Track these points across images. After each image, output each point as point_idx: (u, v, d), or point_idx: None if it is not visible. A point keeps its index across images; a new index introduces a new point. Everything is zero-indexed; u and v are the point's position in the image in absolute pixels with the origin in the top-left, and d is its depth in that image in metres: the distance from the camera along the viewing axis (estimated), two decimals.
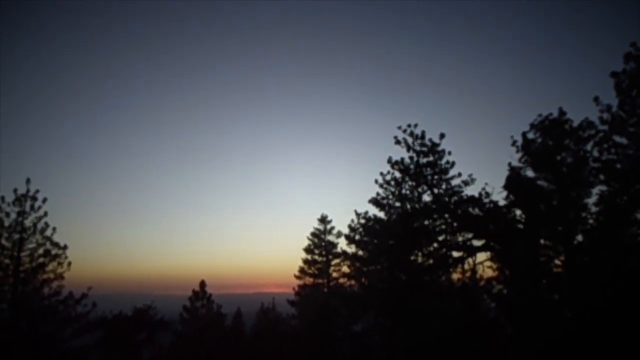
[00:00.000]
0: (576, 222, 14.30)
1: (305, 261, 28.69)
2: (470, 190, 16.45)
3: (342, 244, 28.71)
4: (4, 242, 16.51)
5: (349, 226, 19.51)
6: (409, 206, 17.22)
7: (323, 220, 28.93)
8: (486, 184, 15.74)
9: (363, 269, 19.27)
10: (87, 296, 17.91)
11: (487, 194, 15.65)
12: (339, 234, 28.38)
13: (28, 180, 17.29)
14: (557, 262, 14.46)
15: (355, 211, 19.06)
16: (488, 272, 15.63)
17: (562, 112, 15.26)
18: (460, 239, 15.97)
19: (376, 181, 17.63)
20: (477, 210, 15.69)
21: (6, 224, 16.67)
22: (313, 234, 28.88)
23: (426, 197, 16.91)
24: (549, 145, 15.19)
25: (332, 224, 28.95)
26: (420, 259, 16.44)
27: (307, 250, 28.77)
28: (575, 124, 14.92)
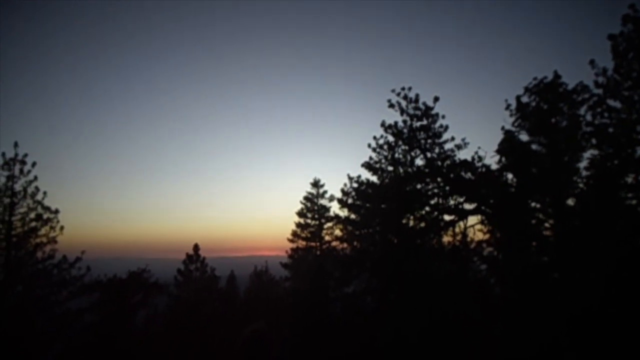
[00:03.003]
0: (567, 186, 14.43)
1: (298, 225, 28.91)
2: (464, 154, 16.51)
3: (335, 208, 28.98)
4: None
5: (342, 190, 19.59)
6: (401, 170, 17.25)
7: (316, 184, 28.98)
8: (479, 147, 15.75)
9: (355, 232, 19.48)
10: (81, 260, 18.01)
11: (480, 158, 15.68)
12: (331, 198, 28.54)
13: (16, 144, 17.00)
14: (547, 225, 14.66)
15: (348, 175, 19.10)
16: (479, 235, 15.85)
17: (557, 76, 15.12)
18: (452, 202, 16.10)
19: (369, 145, 17.57)
20: (469, 174, 15.76)
21: None
22: (306, 198, 28.99)
23: (419, 161, 16.93)
24: (543, 109, 15.12)
25: (325, 188, 29.06)
26: (412, 223, 16.60)
27: (300, 214, 28.94)
28: (570, 87, 14.85)
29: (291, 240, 29.19)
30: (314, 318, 24.61)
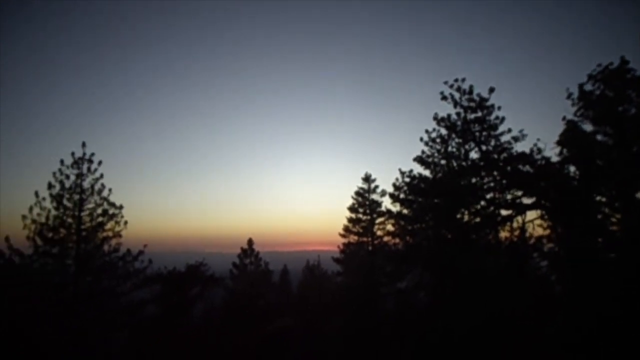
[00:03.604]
0: (636, 179, 13.54)
1: (350, 220, 28.91)
2: (521, 147, 15.86)
3: (387, 203, 28.68)
4: (65, 202, 17.52)
5: (394, 185, 19.35)
6: (455, 164, 16.84)
7: (367, 179, 28.85)
8: (538, 139, 15.09)
9: (408, 227, 19.21)
10: (144, 253, 18.94)
11: (539, 150, 15.02)
12: (383, 193, 28.31)
13: (84, 144, 18.10)
14: (614, 220, 13.85)
15: (400, 170, 18.83)
16: (538, 231, 15.22)
17: (624, 61, 14.18)
18: (509, 196, 15.55)
19: (421, 139, 17.27)
20: (527, 167, 15.14)
21: (67, 185, 17.63)
22: (357, 193, 28.93)
23: (474, 155, 16.46)
24: (608, 97, 14.24)
25: (376, 182, 28.85)
26: (466, 217, 16.19)
27: (352, 209, 28.92)
28: (639, 73, 13.89)
29: (343, 235, 29.26)
30: (366, 312, 24.58)
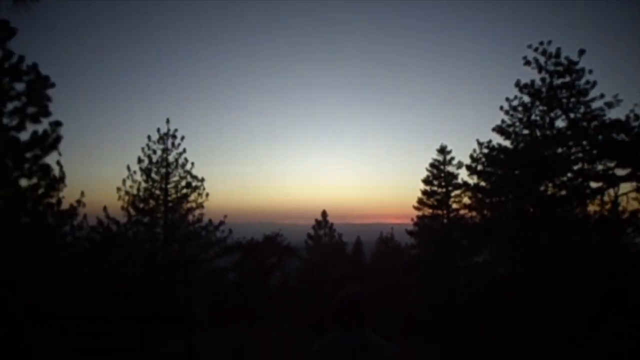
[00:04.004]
0: None
1: (424, 192, 28.36)
2: (615, 114, 14.53)
3: (463, 175, 27.77)
4: (154, 175, 18.85)
5: (471, 156, 18.62)
6: (539, 133, 15.83)
7: (442, 150, 28.00)
8: (635, 105, 13.72)
9: (486, 200, 18.49)
10: (224, 223, 20.04)
11: (637, 117, 13.68)
12: (459, 165, 27.34)
13: (167, 120, 19.23)
14: None
15: (477, 140, 18.03)
16: (633, 205, 14.02)
17: None
18: (600, 167, 14.39)
19: (501, 107, 16.38)
20: (622, 136, 13.87)
21: (154, 159, 18.91)
22: (432, 165, 28.21)
23: (560, 123, 15.37)
24: None
25: (452, 154, 27.92)
26: (551, 190, 15.26)
27: (426, 181, 28.32)
28: None
29: (417, 208, 28.81)
30: (440, 285, 24.27)
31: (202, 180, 19.60)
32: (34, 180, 11.92)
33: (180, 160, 19.21)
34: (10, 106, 11.64)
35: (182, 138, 19.26)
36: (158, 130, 19.06)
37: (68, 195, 13.18)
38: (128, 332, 14.54)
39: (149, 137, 19.00)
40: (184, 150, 19.28)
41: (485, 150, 17.41)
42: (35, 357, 10.65)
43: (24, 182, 12.03)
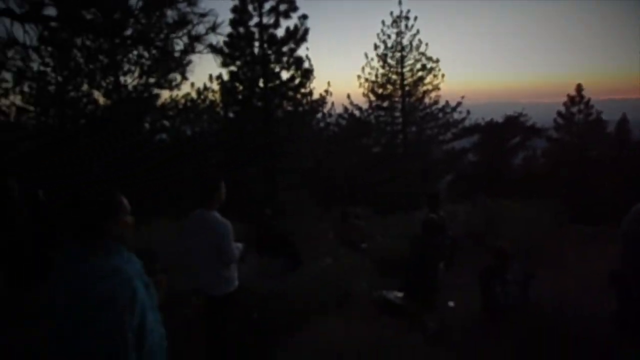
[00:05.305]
0: None
1: None
2: None
3: None
4: (389, 60, 19.34)
5: None
6: None
7: None
8: None
9: None
10: (461, 104, 19.63)
11: None
12: None
13: (400, 1, 18.90)
14: None
15: None
16: None
17: None
18: None
19: None
20: None
21: (389, 44, 19.26)
22: None
23: None
24: None
25: None
26: None
27: None
28: None
29: None
30: None
31: (437, 61, 19.22)
32: (291, 72, 13.77)
33: (415, 42, 19.06)
34: (267, 6, 13.34)
35: (415, 18, 18.85)
36: (391, 13, 19.04)
37: (317, 85, 14.82)
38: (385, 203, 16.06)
39: (382, 22, 19.22)
40: (418, 32, 18.96)
41: None
42: None
43: (284, 74, 14.07)
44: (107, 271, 1.41)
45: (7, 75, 10.01)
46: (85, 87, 12.68)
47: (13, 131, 11.78)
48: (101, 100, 13.09)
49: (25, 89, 11.60)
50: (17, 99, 11.64)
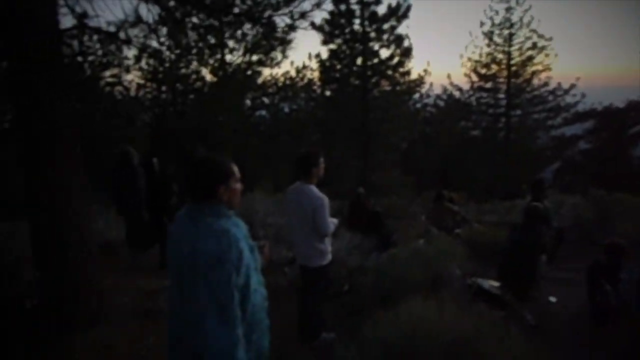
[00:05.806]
0: None
1: None
2: None
3: None
4: (496, 38, 18.14)
5: None
6: None
7: None
8: None
9: None
10: (575, 87, 17.96)
11: None
12: None
13: None
14: None
15: None
16: None
17: None
18: None
19: None
20: None
21: (496, 21, 18.02)
22: None
23: None
24: None
25: None
26: None
27: None
28: None
29: None
30: None
31: (550, 39, 17.60)
32: (391, 50, 13.49)
33: (526, 19, 17.61)
34: None
35: None
36: None
37: (415, 64, 14.49)
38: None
39: None
40: (530, 7, 17.49)
41: None
42: None
43: (383, 53, 13.85)
44: (217, 232, 1.52)
45: (130, 53, 11.06)
46: (194, 64, 13.62)
47: (133, 105, 13.06)
48: (208, 77, 14.01)
49: (144, 65, 12.72)
50: (137, 76, 12.88)
